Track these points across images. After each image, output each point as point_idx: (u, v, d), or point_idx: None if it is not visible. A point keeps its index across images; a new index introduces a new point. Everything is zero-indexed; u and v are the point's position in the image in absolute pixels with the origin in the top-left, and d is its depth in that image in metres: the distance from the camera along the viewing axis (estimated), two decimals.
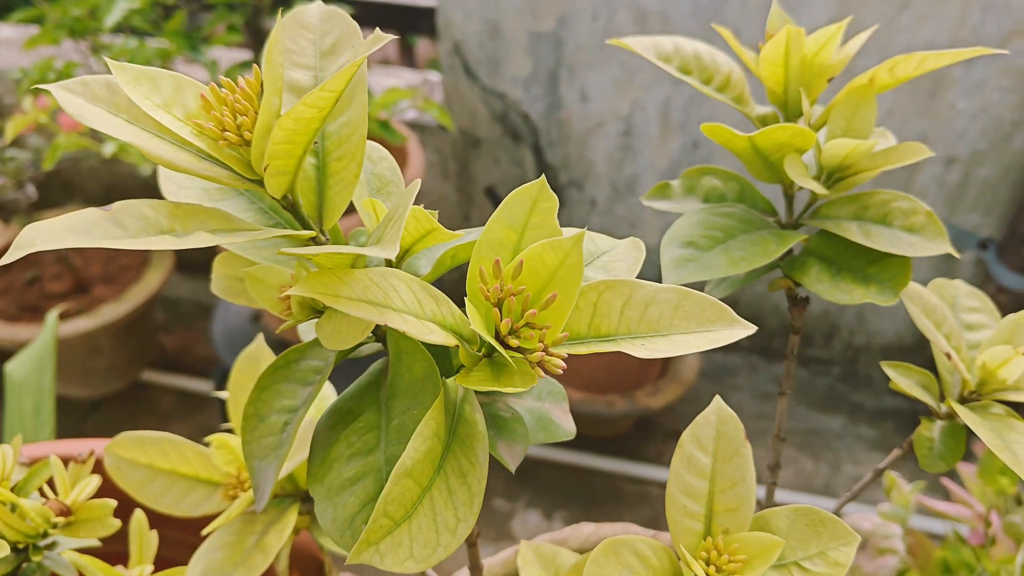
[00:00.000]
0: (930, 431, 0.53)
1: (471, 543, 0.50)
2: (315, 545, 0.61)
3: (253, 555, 0.52)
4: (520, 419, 0.42)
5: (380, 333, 0.42)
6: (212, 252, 2.11)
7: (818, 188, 0.49)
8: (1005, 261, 1.64)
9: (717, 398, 0.45)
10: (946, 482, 1.07)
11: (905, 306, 0.50)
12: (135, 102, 0.35)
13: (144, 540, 0.58)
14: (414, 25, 1.74)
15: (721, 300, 0.36)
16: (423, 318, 0.34)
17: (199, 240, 0.34)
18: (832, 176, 0.51)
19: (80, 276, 1.78)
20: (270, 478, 0.38)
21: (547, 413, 0.45)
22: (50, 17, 1.47)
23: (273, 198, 0.37)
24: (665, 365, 1.77)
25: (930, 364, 1.85)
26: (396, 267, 0.41)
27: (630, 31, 1.57)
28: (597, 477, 1.79)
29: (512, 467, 0.40)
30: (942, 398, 0.54)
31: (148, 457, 0.55)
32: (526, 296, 0.35)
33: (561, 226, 0.37)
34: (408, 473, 0.33)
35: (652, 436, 1.87)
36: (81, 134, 1.26)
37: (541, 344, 0.35)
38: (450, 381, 0.38)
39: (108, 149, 1.21)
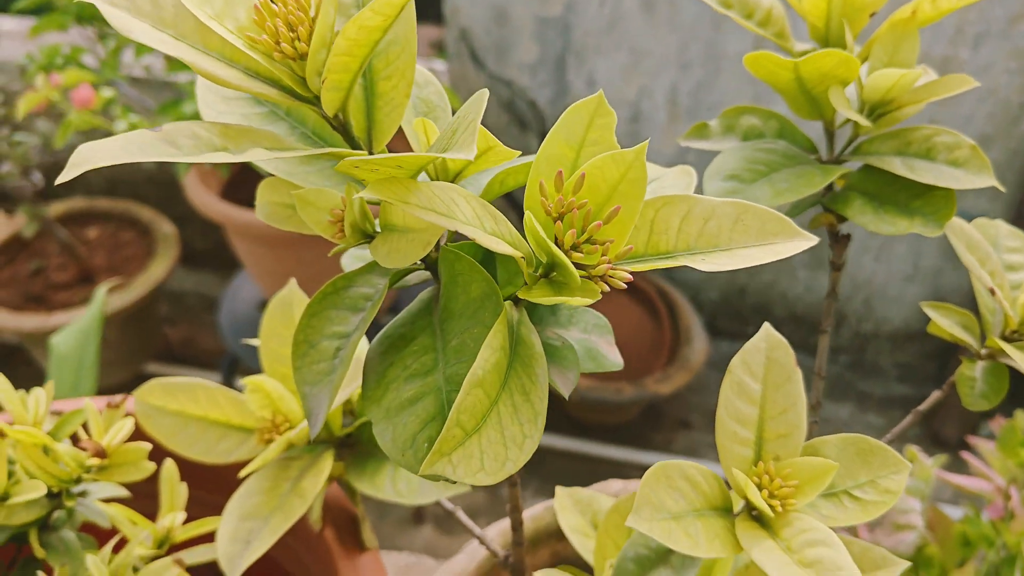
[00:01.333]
0: (971, 371, 0.52)
1: (512, 483, 0.50)
2: (346, 499, 0.61)
3: (290, 499, 0.51)
4: (571, 347, 0.41)
5: (430, 260, 0.41)
6: (215, 243, 2.11)
7: (862, 120, 0.48)
8: None
9: (766, 325, 0.44)
10: (966, 456, 1.06)
11: (950, 241, 0.50)
12: (188, 9, 0.35)
13: (174, 488, 0.57)
14: (420, 12, 1.73)
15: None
16: (486, 232, 0.33)
17: (256, 155, 0.33)
18: (875, 111, 0.50)
19: (85, 266, 1.77)
20: (323, 403, 0.37)
21: (594, 345, 0.44)
22: (57, 2, 1.46)
23: (324, 117, 0.36)
24: (673, 352, 1.77)
25: (938, 352, 1.84)
26: None
27: (637, 15, 1.57)
28: (604, 465, 1.78)
29: (566, 393, 0.39)
30: (983, 339, 0.53)
31: (179, 404, 0.55)
32: (588, 210, 0.35)
33: None
34: (480, 383, 0.33)
35: (659, 424, 1.87)
36: (93, 112, 1.25)
37: (604, 258, 0.34)
38: (504, 304, 0.38)
39: (120, 127, 1.21)
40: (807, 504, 0.43)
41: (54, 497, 0.54)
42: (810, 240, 0.35)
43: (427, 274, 0.42)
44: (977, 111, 1.56)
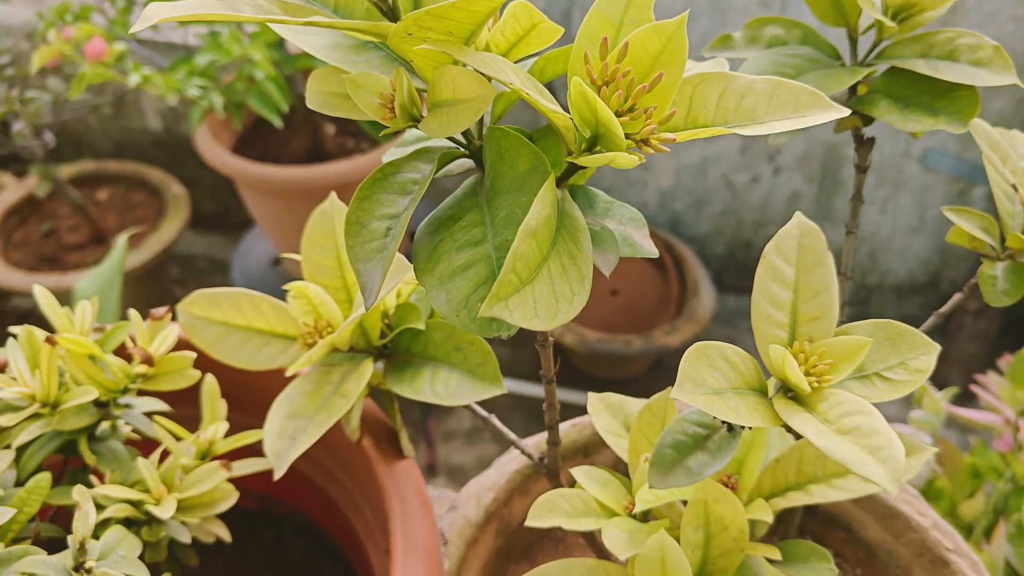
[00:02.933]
0: (992, 269, 0.54)
1: (549, 380, 0.51)
2: (382, 413, 0.62)
3: (333, 399, 0.53)
4: (610, 232, 0.43)
5: (474, 149, 0.42)
6: (223, 206, 2.12)
7: (887, 21, 0.50)
8: None
9: (798, 214, 0.46)
10: (976, 389, 1.08)
11: (974, 139, 0.51)
12: None
13: (215, 401, 0.59)
14: None
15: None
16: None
17: (317, 19, 0.35)
18: (898, 15, 0.52)
19: (96, 227, 1.78)
20: (377, 277, 0.39)
21: (630, 235, 0.46)
22: None
23: (375, 1, 0.38)
24: (681, 305, 1.79)
25: (942, 303, 1.85)
26: None
27: None
28: None
29: (607, 272, 0.41)
30: (1003, 241, 0.55)
31: (223, 314, 0.56)
32: (631, 79, 0.36)
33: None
34: (533, 233, 0.34)
35: (668, 379, 1.88)
36: (106, 66, 1.26)
37: (649, 121, 0.36)
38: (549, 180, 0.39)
39: (133, 80, 1.21)
40: (839, 385, 0.44)
41: (101, 407, 0.55)
42: (842, 111, 0.36)
43: (470, 163, 0.43)
44: None
